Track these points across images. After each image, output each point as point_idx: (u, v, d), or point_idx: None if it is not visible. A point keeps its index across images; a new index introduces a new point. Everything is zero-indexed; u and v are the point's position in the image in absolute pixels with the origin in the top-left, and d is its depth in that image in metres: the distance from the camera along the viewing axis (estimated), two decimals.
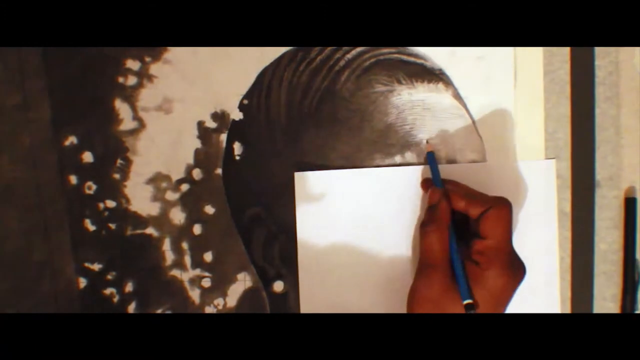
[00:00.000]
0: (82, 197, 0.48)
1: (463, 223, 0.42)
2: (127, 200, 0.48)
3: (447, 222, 0.41)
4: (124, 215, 0.48)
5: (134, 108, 0.48)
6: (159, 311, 0.49)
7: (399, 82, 0.46)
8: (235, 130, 0.47)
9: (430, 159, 0.44)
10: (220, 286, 0.48)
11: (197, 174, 0.48)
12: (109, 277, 0.48)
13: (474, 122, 0.47)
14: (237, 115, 0.47)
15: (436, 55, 0.46)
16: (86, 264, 0.48)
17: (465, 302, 0.38)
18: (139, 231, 0.48)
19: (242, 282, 0.48)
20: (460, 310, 0.39)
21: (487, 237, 0.39)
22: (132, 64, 0.48)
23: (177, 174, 0.48)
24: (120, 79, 0.48)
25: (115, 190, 0.48)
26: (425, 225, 0.41)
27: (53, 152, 0.48)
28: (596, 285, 0.48)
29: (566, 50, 0.47)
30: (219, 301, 0.48)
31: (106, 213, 0.48)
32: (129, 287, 0.49)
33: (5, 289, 0.48)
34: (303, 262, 0.47)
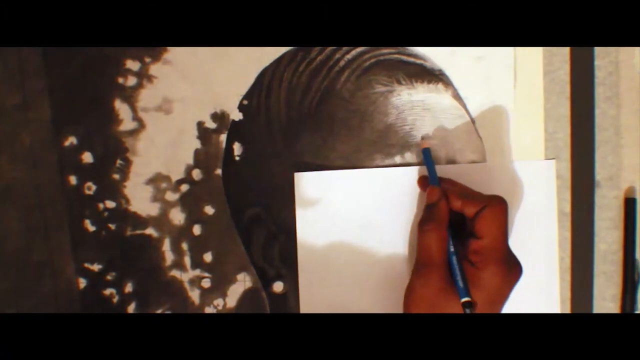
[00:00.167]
0: (82, 198, 0.48)
1: (459, 223, 0.42)
2: (127, 201, 0.48)
3: (445, 221, 0.41)
4: (124, 215, 0.48)
5: (133, 108, 0.48)
6: (159, 311, 0.49)
7: (399, 83, 0.46)
8: (235, 131, 0.47)
9: (426, 156, 0.44)
10: (220, 286, 0.48)
11: (197, 174, 0.48)
12: (109, 277, 0.48)
13: (473, 122, 0.47)
14: (237, 115, 0.47)
15: (436, 56, 0.46)
16: (86, 264, 0.48)
17: (463, 300, 0.38)
18: (138, 231, 0.48)
19: (242, 283, 0.48)
20: (456, 310, 0.39)
21: (483, 236, 0.39)
22: (132, 64, 0.48)
23: (177, 174, 0.48)
24: (120, 79, 0.48)
25: (115, 190, 0.48)
26: (424, 224, 0.41)
27: (53, 152, 0.48)
28: (596, 285, 0.48)
29: (566, 50, 0.47)
30: (219, 301, 0.48)
31: (106, 213, 0.48)
32: (128, 288, 0.48)
33: (5, 289, 0.48)
34: (303, 262, 0.47)
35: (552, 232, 0.47)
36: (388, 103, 0.46)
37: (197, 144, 0.48)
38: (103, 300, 0.48)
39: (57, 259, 0.48)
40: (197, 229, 0.48)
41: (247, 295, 0.48)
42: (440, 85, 0.46)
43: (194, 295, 0.48)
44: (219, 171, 0.48)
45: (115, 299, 0.49)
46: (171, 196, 0.48)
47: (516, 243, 0.40)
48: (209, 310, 0.48)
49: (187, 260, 0.48)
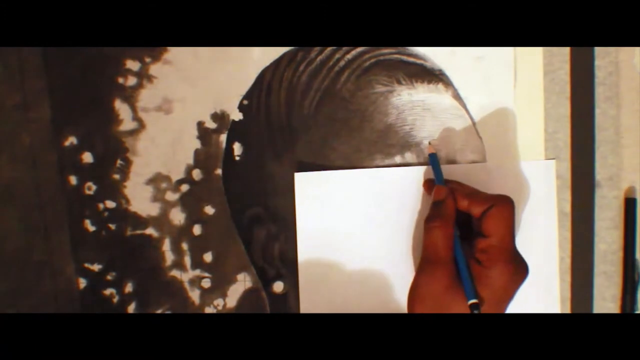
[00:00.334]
0: (82, 198, 0.48)
1: (465, 223, 0.42)
2: (127, 201, 0.48)
3: (452, 218, 0.41)
4: (124, 215, 0.48)
5: (133, 108, 0.48)
6: (159, 311, 0.49)
7: (399, 83, 0.46)
8: (235, 131, 0.47)
9: (433, 161, 0.44)
10: (220, 286, 0.48)
11: (197, 174, 0.48)
12: (109, 277, 0.48)
13: (473, 122, 0.47)
14: (237, 115, 0.47)
15: (436, 56, 0.46)
16: (86, 264, 0.48)
17: (470, 302, 0.38)
18: (138, 231, 0.48)
19: (242, 283, 0.48)
20: (461, 308, 0.39)
21: (490, 235, 0.39)
22: (132, 64, 0.48)
23: (177, 174, 0.48)
24: (120, 79, 0.48)
25: (115, 190, 0.48)
26: (430, 220, 0.41)
27: (53, 152, 0.48)
28: (596, 285, 0.48)
29: (566, 50, 0.47)
30: (219, 301, 0.48)
31: (106, 213, 0.48)
32: (128, 288, 0.48)
33: (5, 289, 0.48)
34: (303, 262, 0.47)
35: (552, 232, 0.47)
36: (388, 103, 0.46)
37: (197, 144, 0.48)
38: (103, 300, 0.48)
39: (57, 259, 0.48)
40: (197, 229, 0.48)
41: (247, 295, 0.48)
42: (440, 85, 0.46)
43: (194, 295, 0.48)
44: (219, 171, 0.48)
45: (115, 299, 0.49)
46: (171, 196, 0.48)
47: (516, 243, 0.40)
48: (209, 310, 0.48)
49: (187, 260, 0.48)
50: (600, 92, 0.47)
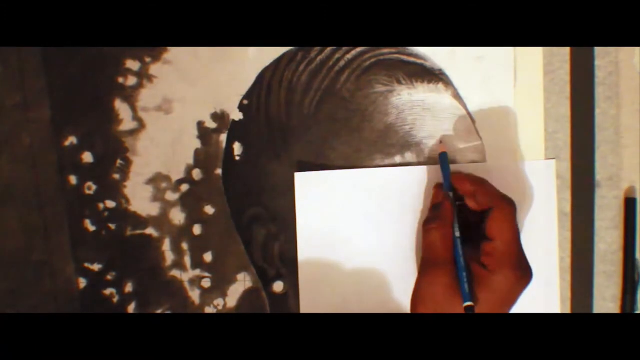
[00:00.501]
0: (82, 197, 0.48)
1: (470, 227, 0.42)
2: (127, 201, 0.48)
3: (450, 220, 0.41)
4: (124, 215, 0.48)
5: (134, 108, 0.48)
6: (159, 311, 0.49)
7: (399, 83, 0.46)
8: (235, 131, 0.47)
9: (443, 160, 0.44)
10: (220, 286, 0.48)
11: (197, 174, 0.48)
12: (109, 277, 0.48)
13: (473, 122, 0.47)
14: (237, 115, 0.47)
15: (436, 56, 0.46)
16: (86, 264, 0.48)
17: (466, 304, 0.38)
18: (138, 231, 0.48)
19: (242, 283, 0.48)
20: (463, 308, 0.39)
21: (494, 238, 0.39)
22: (132, 64, 0.48)
23: (177, 174, 0.48)
24: (120, 79, 0.48)
25: (115, 190, 0.48)
26: (428, 223, 0.41)
27: (53, 152, 0.48)
28: (596, 286, 0.48)
29: (566, 50, 0.47)
30: (219, 301, 0.48)
31: (106, 213, 0.48)
32: (128, 288, 0.48)
33: (5, 289, 0.48)
34: (303, 262, 0.47)
35: (552, 232, 0.47)
36: (388, 103, 0.46)
37: (197, 144, 0.48)
38: (103, 300, 0.48)
39: (57, 259, 0.48)
40: (197, 229, 0.48)
41: (247, 295, 0.48)
42: (440, 85, 0.46)
43: (194, 295, 0.48)
44: (219, 171, 0.48)
45: (116, 299, 0.49)
46: (171, 196, 0.48)
47: (519, 233, 0.40)
48: (209, 310, 0.48)
49: (187, 260, 0.48)
50: (600, 92, 0.47)
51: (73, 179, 0.48)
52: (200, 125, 0.48)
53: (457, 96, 0.47)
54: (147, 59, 0.48)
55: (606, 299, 0.48)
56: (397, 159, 0.46)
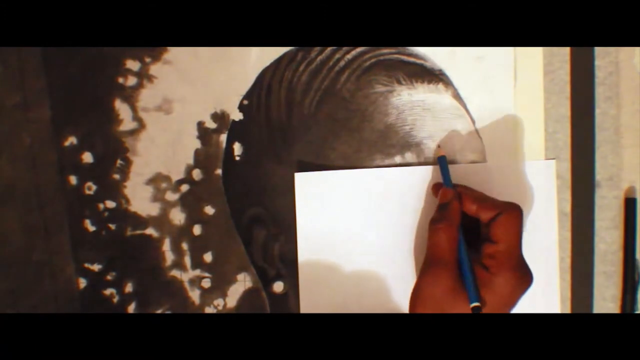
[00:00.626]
0: (82, 198, 0.48)
1: (472, 228, 0.42)
2: (127, 201, 0.48)
3: (457, 221, 0.41)
4: (124, 215, 0.48)
5: (134, 108, 0.48)
6: (159, 311, 0.49)
7: (399, 83, 0.46)
8: (235, 131, 0.47)
9: (442, 163, 0.44)
10: (220, 286, 0.48)
11: (197, 174, 0.48)
12: (109, 277, 0.48)
13: (473, 122, 0.47)
14: (237, 115, 0.47)
15: (436, 56, 0.46)
16: (86, 265, 0.48)
17: (473, 305, 0.38)
18: (138, 231, 0.48)
19: (242, 283, 0.48)
20: (464, 309, 0.39)
21: (499, 241, 0.39)
22: (132, 64, 0.48)
23: (177, 174, 0.48)
24: (120, 79, 0.48)
25: (115, 190, 0.48)
26: (435, 222, 0.41)
27: (53, 152, 0.48)
28: (596, 286, 0.48)
29: (566, 50, 0.47)
30: (219, 301, 0.48)
31: (106, 213, 0.48)
32: (128, 288, 0.48)
33: (5, 289, 0.48)
34: (303, 262, 0.47)
35: (552, 232, 0.47)
36: (388, 103, 0.46)
37: (197, 144, 0.48)
38: (103, 300, 0.48)
39: (57, 259, 0.48)
40: (197, 229, 0.48)
41: (247, 295, 0.48)
42: (440, 85, 0.46)
43: (194, 295, 0.48)
44: (219, 171, 0.48)
45: (116, 299, 0.49)
46: (171, 196, 0.48)
47: (522, 237, 0.40)
48: (209, 310, 0.48)
49: (187, 260, 0.48)
50: (600, 92, 0.47)
51: (73, 179, 0.48)
52: (200, 125, 0.48)
53: (457, 96, 0.47)
54: (147, 59, 0.48)
55: (606, 299, 0.48)
56: (397, 159, 0.46)
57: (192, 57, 0.47)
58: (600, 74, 0.47)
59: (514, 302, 0.39)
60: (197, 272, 0.48)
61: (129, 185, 0.48)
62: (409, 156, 0.46)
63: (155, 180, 0.48)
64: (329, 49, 0.46)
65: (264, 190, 0.47)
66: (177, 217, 0.48)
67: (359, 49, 0.46)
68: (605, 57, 0.47)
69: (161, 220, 0.48)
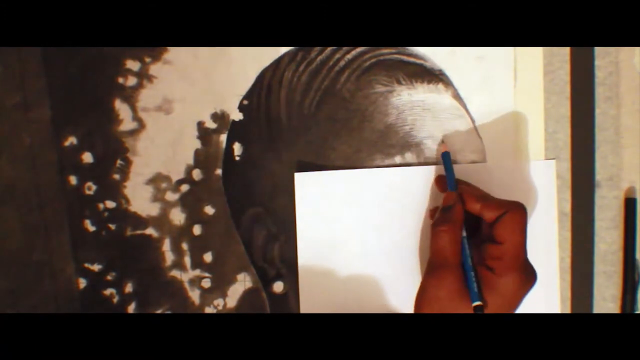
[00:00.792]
0: (82, 198, 0.48)
1: (475, 229, 0.42)
2: (127, 201, 0.48)
3: (460, 223, 0.41)
4: (124, 215, 0.48)
5: (133, 108, 0.48)
6: (159, 311, 0.49)
7: (399, 83, 0.46)
8: (235, 131, 0.47)
9: (446, 159, 0.44)
10: (220, 287, 0.48)
11: (197, 174, 0.48)
12: (109, 277, 0.48)
13: (473, 122, 0.47)
14: (237, 115, 0.47)
15: (436, 56, 0.46)
16: (86, 265, 0.48)
17: (475, 304, 0.38)
18: (138, 232, 0.48)
19: (242, 283, 0.48)
20: (468, 311, 0.39)
21: (504, 242, 0.39)
22: (132, 64, 0.48)
23: (177, 174, 0.48)
24: (120, 79, 0.48)
25: (115, 190, 0.48)
26: (438, 225, 0.41)
27: (53, 152, 0.48)
28: (596, 286, 0.48)
29: (566, 50, 0.47)
30: (219, 302, 0.48)
31: (106, 213, 0.48)
32: (128, 288, 0.48)
33: (5, 289, 0.48)
34: (303, 262, 0.47)
35: (552, 232, 0.47)
36: (388, 103, 0.46)
37: (197, 144, 0.48)
38: (103, 300, 0.48)
39: (57, 259, 0.48)
40: (197, 229, 0.48)
41: (247, 295, 0.48)
42: (440, 85, 0.46)
43: (194, 295, 0.48)
44: (219, 171, 0.48)
45: (116, 299, 0.49)
46: (171, 196, 0.48)
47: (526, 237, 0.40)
48: (209, 310, 0.48)
49: (187, 260, 0.48)
50: (600, 92, 0.47)
51: (73, 179, 0.48)
52: (200, 125, 0.48)
53: (457, 96, 0.47)
54: (147, 59, 0.48)
55: (606, 299, 0.48)
56: (397, 159, 0.46)
57: (192, 57, 0.47)
58: (600, 74, 0.47)
59: (518, 302, 0.39)
60: (197, 272, 0.48)
61: (129, 185, 0.48)
62: (409, 156, 0.46)
63: (155, 180, 0.48)
64: (329, 49, 0.46)
65: (264, 190, 0.47)
66: (177, 217, 0.48)
67: (359, 49, 0.46)
68: (605, 57, 0.47)
69: (161, 221, 0.48)
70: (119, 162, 0.48)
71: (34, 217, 0.48)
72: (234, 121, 0.47)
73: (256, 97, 0.47)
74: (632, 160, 0.47)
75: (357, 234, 0.46)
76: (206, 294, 0.48)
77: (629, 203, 0.47)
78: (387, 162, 0.46)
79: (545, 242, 0.47)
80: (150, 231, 0.48)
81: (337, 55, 0.46)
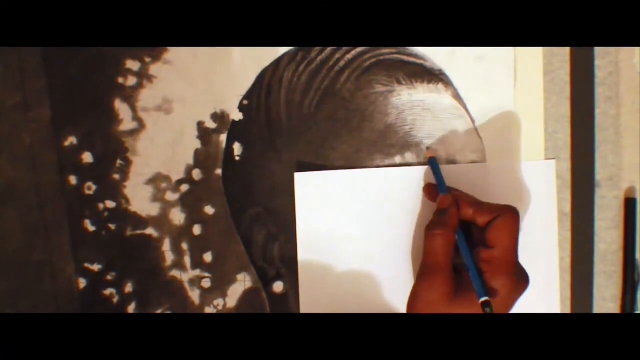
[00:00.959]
0: (82, 198, 0.48)
1: (467, 232, 0.42)
2: (127, 201, 0.48)
3: (454, 227, 0.41)
4: (124, 215, 0.48)
5: (133, 108, 0.48)
6: (159, 311, 0.49)
7: (399, 83, 0.46)
8: (235, 131, 0.47)
9: (433, 165, 0.44)
10: (220, 286, 0.48)
11: (197, 174, 0.48)
12: (109, 277, 0.48)
13: (473, 122, 0.47)
14: (237, 115, 0.47)
15: (436, 56, 0.46)
16: (86, 265, 0.48)
17: (482, 299, 0.38)
18: (138, 232, 0.48)
19: (242, 283, 0.48)
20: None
21: (495, 246, 0.39)
22: (132, 64, 0.48)
23: (177, 174, 0.48)
24: (120, 79, 0.48)
25: (115, 190, 0.48)
26: (432, 228, 0.41)
27: (53, 152, 0.48)
28: (596, 286, 0.48)
29: (566, 50, 0.47)
30: (219, 302, 0.48)
31: (106, 213, 0.48)
32: (128, 288, 0.48)
33: (5, 289, 0.48)
34: (303, 262, 0.47)
35: (552, 232, 0.47)
36: (388, 103, 0.46)
37: (197, 144, 0.48)
38: (103, 300, 0.48)
39: (57, 259, 0.48)
40: (197, 229, 0.48)
41: (247, 295, 0.48)
42: (440, 85, 0.46)
43: (194, 295, 0.48)
44: (219, 171, 0.48)
45: (115, 299, 0.49)
46: (171, 196, 0.48)
47: (518, 252, 0.40)
48: (209, 310, 0.48)
49: (187, 260, 0.48)
50: (600, 92, 0.47)
51: (73, 179, 0.48)
52: (200, 125, 0.48)
53: (457, 96, 0.47)
54: (147, 59, 0.48)
55: (606, 299, 0.48)
56: (397, 159, 0.46)
57: (192, 57, 0.47)
58: (600, 74, 0.47)
59: (510, 306, 0.39)
60: (197, 272, 0.48)
61: (129, 185, 0.48)
62: (409, 156, 0.46)
63: (155, 180, 0.48)
64: (329, 49, 0.46)
65: (264, 190, 0.47)
66: (177, 217, 0.48)
67: (359, 49, 0.46)
68: (605, 57, 0.47)
69: (161, 221, 0.48)
70: (119, 162, 0.48)
71: (34, 217, 0.48)
72: (234, 121, 0.47)
73: (256, 97, 0.47)
74: (632, 160, 0.47)
75: (358, 234, 0.46)
76: (206, 294, 0.48)
77: (629, 203, 0.47)
78: (387, 162, 0.46)
79: (545, 242, 0.47)
80: (150, 231, 0.48)
81: (337, 55, 0.46)
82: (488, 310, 0.38)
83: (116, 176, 0.48)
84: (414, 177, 0.46)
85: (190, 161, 0.48)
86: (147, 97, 0.48)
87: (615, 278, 0.48)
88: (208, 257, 0.48)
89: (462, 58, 0.46)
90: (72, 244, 0.48)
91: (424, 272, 0.41)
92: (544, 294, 0.46)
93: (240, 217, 0.48)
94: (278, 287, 0.48)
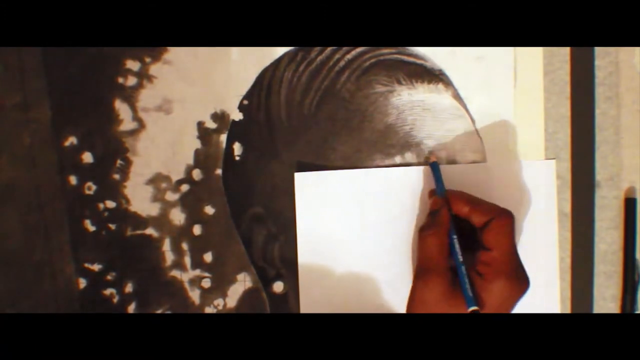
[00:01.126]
0: (82, 198, 0.48)
1: (468, 234, 0.42)
2: (127, 201, 0.48)
3: (446, 227, 0.41)
4: (124, 215, 0.48)
5: (133, 108, 0.48)
6: (159, 311, 0.49)
7: (399, 83, 0.46)
8: (235, 131, 0.47)
9: (435, 169, 0.44)
10: (220, 287, 0.48)
11: (197, 174, 0.48)
12: (109, 277, 0.48)
13: (473, 122, 0.47)
14: (237, 115, 0.47)
15: (436, 56, 0.46)
16: (86, 265, 0.48)
17: (471, 309, 0.38)
18: (138, 232, 0.48)
19: (242, 283, 0.48)
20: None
21: (492, 248, 0.39)
22: (132, 64, 0.48)
23: (177, 174, 0.48)
24: (120, 79, 0.48)
25: (115, 190, 0.48)
26: (424, 229, 0.42)
27: (53, 152, 0.48)
28: (596, 286, 0.48)
29: (566, 50, 0.47)
30: (219, 302, 0.48)
31: (106, 213, 0.48)
32: (128, 288, 0.48)
33: (5, 289, 0.48)
34: (303, 262, 0.47)
35: (552, 232, 0.47)
36: (388, 103, 0.46)
37: (197, 144, 0.48)
38: (103, 300, 0.48)
39: (57, 259, 0.48)
40: (197, 229, 0.48)
41: (247, 296, 0.48)
42: (440, 85, 0.46)
43: (194, 295, 0.48)
44: (219, 171, 0.48)
45: (116, 299, 0.49)
46: (171, 196, 0.48)
47: (516, 243, 0.40)
48: (209, 310, 0.48)
49: (187, 260, 0.48)
50: (600, 92, 0.47)
51: (73, 179, 0.48)
52: (200, 125, 0.48)
53: (457, 96, 0.47)
54: (147, 59, 0.48)
55: (606, 299, 0.48)
56: (397, 159, 0.46)
57: (192, 57, 0.47)
58: (600, 74, 0.47)
59: (509, 308, 0.39)
60: (197, 272, 0.48)
61: (129, 185, 0.48)
62: (409, 156, 0.46)
63: (155, 180, 0.48)
64: (329, 49, 0.46)
65: (264, 190, 0.47)
66: (177, 217, 0.48)
67: (359, 49, 0.46)
68: (605, 57, 0.47)
69: (161, 221, 0.48)
70: (119, 162, 0.48)
71: (34, 217, 0.48)
72: (234, 121, 0.47)
73: (256, 97, 0.47)
74: (632, 160, 0.47)
75: (357, 234, 0.46)
76: (206, 294, 0.48)
77: (629, 203, 0.47)
78: (387, 162, 0.46)
79: (545, 242, 0.47)
80: (150, 231, 0.48)
81: (337, 55, 0.46)
82: None
83: (116, 176, 0.48)
84: (414, 177, 0.46)
85: (190, 161, 0.48)
86: (147, 97, 0.48)
87: (615, 278, 0.48)
88: (208, 257, 0.48)
89: (462, 58, 0.46)
90: (72, 244, 0.48)
91: (419, 273, 0.41)
92: (544, 294, 0.46)
93: (240, 217, 0.48)
94: (278, 287, 0.48)
